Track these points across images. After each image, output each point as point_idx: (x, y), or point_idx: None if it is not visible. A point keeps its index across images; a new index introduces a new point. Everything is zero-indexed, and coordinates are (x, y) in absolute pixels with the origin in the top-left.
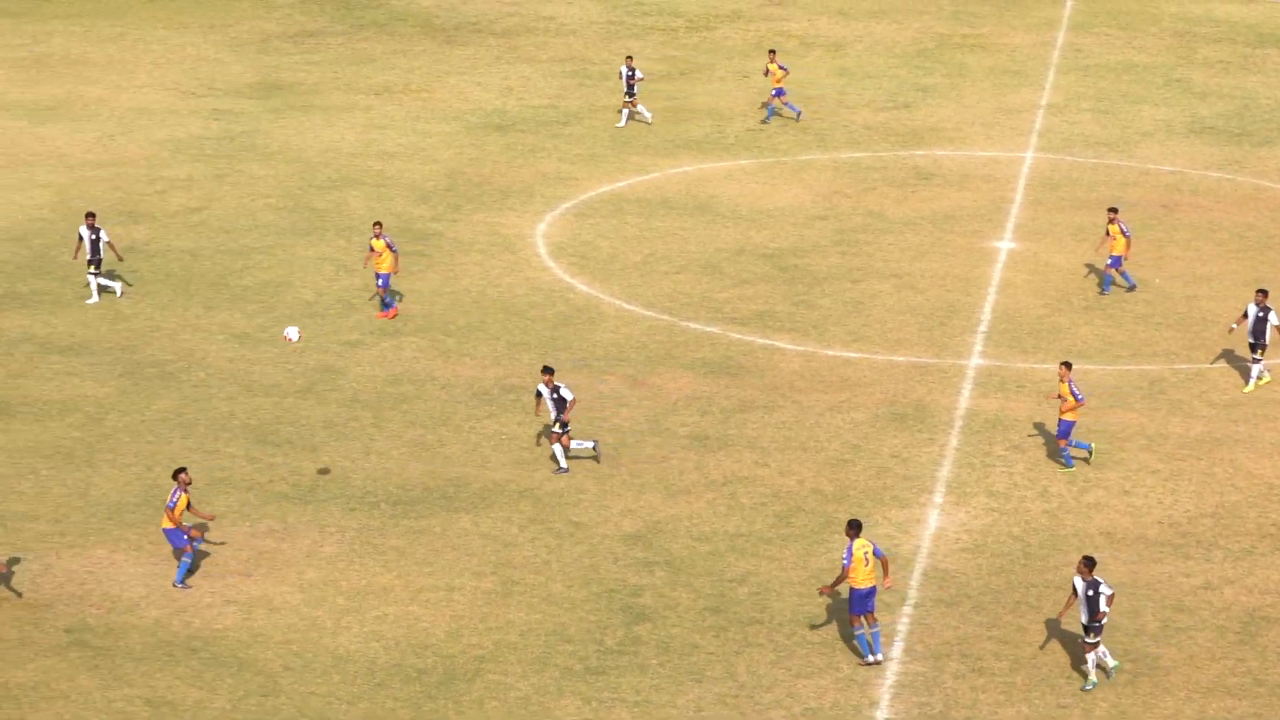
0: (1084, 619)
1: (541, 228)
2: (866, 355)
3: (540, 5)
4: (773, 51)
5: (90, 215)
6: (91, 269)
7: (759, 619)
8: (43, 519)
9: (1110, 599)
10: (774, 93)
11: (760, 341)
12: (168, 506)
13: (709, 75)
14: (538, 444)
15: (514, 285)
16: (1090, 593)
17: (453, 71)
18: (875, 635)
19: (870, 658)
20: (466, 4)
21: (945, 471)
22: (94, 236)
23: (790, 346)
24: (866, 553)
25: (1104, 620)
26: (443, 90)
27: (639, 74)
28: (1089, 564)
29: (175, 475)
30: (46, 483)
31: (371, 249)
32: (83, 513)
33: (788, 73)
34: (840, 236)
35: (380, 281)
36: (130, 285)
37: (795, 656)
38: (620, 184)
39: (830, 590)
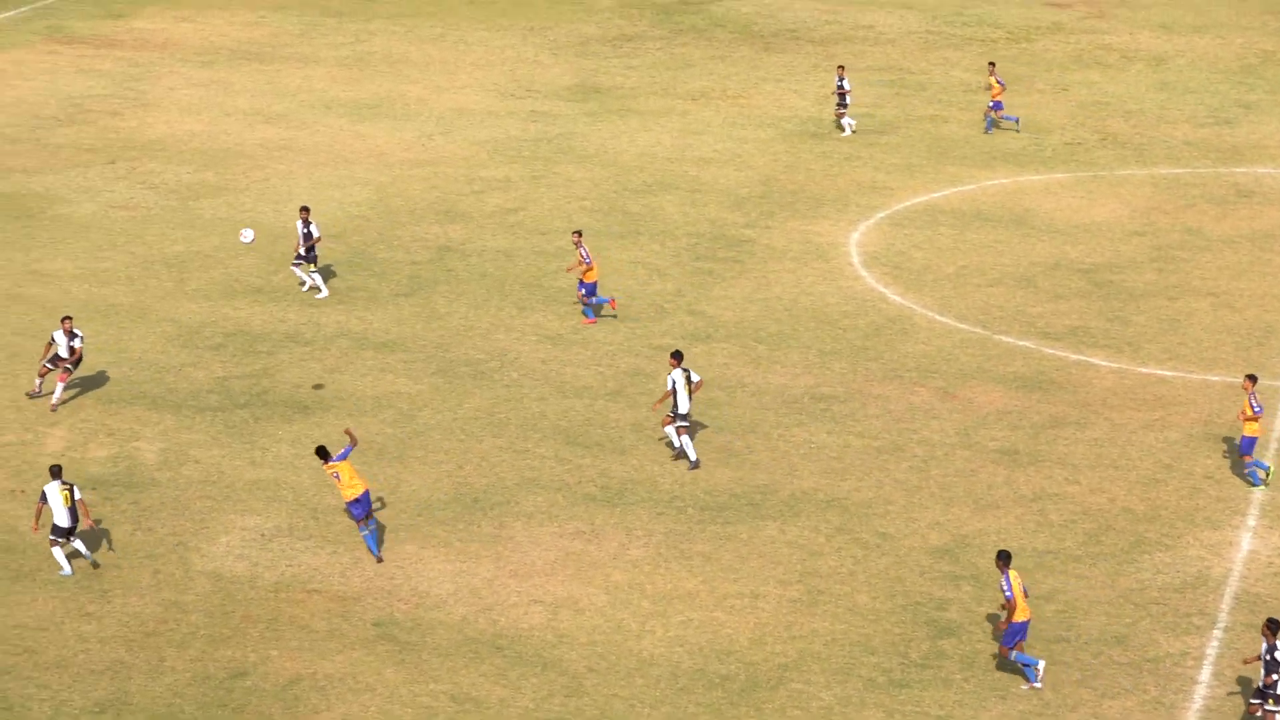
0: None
1: (855, 236)
2: (1181, 374)
3: (859, 13)
4: (992, 64)
5: (304, 209)
6: (298, 262)
7: (1065, 637)
8: None
9: None
10: (991, 105)
11: (1073, 357)
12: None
13: (1027, 87)
14: (661, 438)
15: (826, 294)
16: (1268, 656)
17: (769, 78)
18: (1030, 665)
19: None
20: (785, 11)
21: (1259, 494)
22: (306, 230)
23: (1104, 363)
24: (1024, 584)
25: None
26: (759, 96)
27: (848, 85)
28: (1273, 627)
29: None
30: None
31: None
32: (393, 508)
33: (1004, 88)
34: (1157, 253)
35: (584, 290)
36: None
37: (1101, 677)
38: (935, 195)
39: (1003, 626)
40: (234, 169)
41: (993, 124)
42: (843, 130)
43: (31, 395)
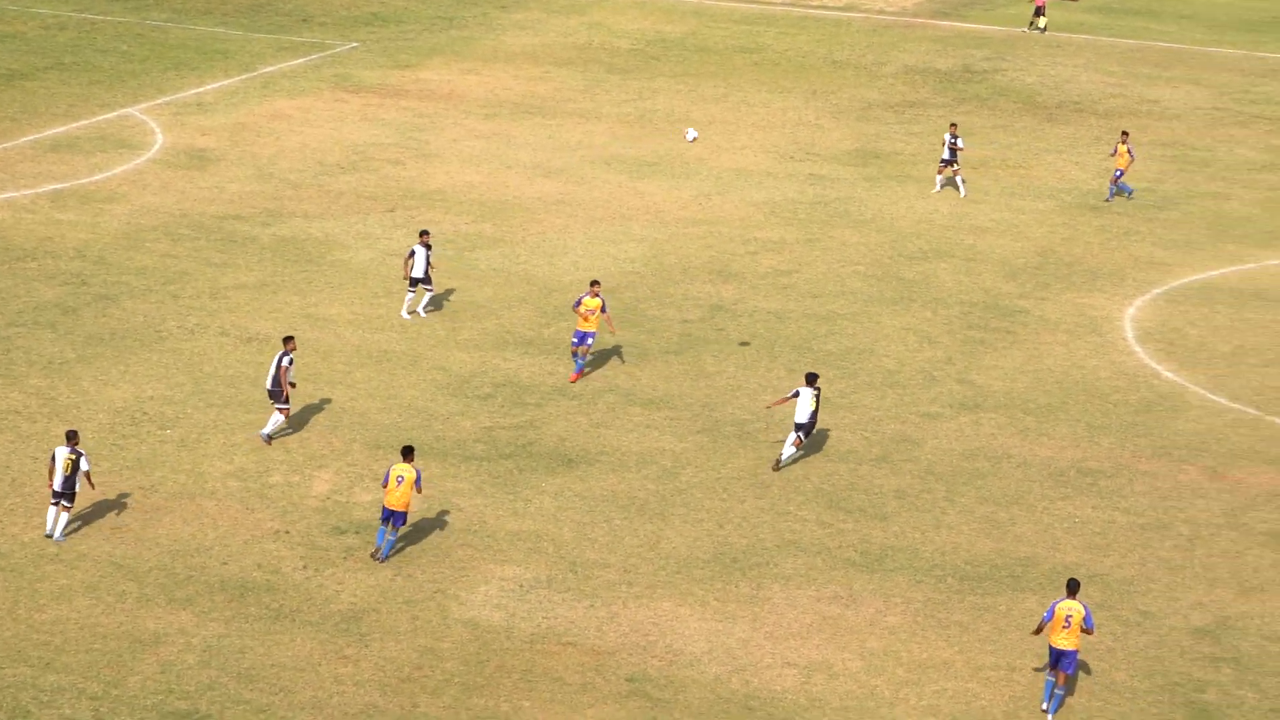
0: None
1: (1130, 311)
2: None
3: (1145, 88)
4: (1125, 133)
5: (424, 234)
6: (412, 286)
7: None
8: (613, 567)
9: None
10: (1116, 174)
11: None
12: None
13: None
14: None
15: (1098, 368)
16: None
17: (1051, 149)
18: (1058, 696)
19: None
20: (1070, 83)
21: None
22: (427, 255)
23: None
24: (1071, 615)
25: None
26: (1040, 167)
27: (961, 143)
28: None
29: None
30: (619, 532)
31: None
32: (652, 564)
33: (1134, 160)
34: None
35: (579, 339)
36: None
37: None
38: (1214, 272)
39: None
40: (511, 221)
41: (1115, 192)
42: (959, 190)
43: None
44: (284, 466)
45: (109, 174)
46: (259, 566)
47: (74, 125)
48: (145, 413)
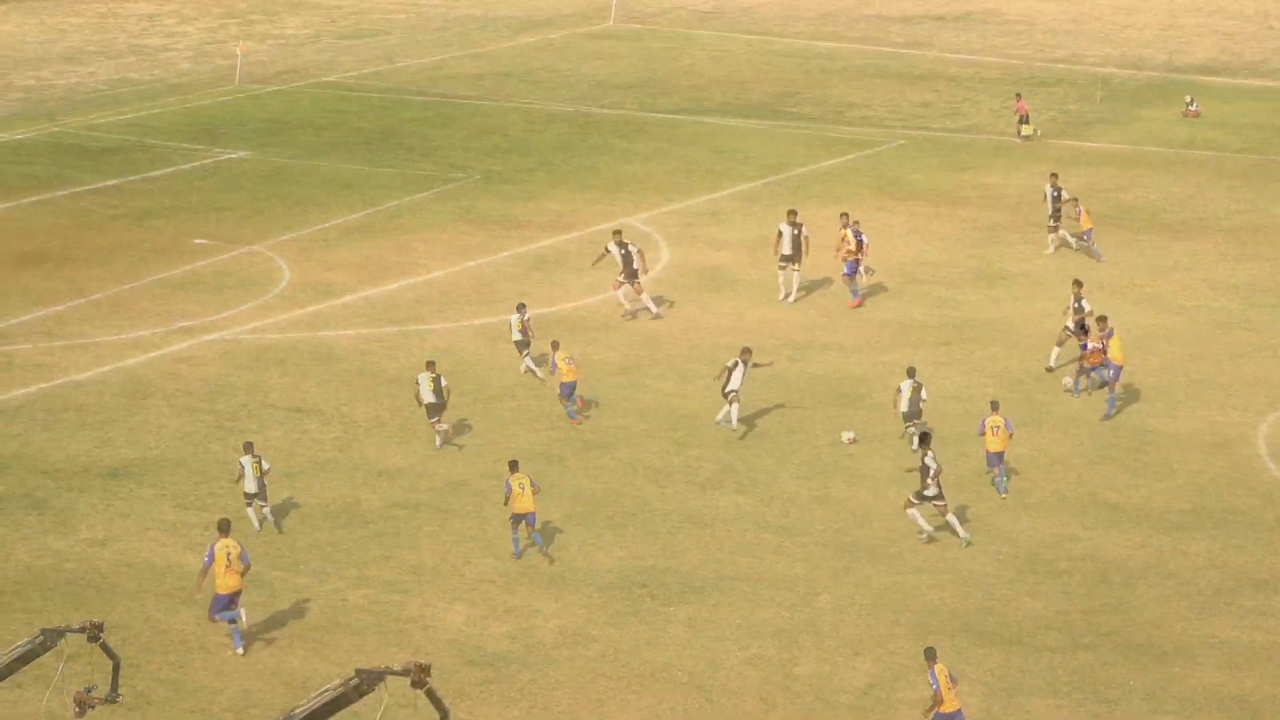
0: None
1: (1264, 428)
2: None
3: (1271, 204)
4: (1074, 200)
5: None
6: (783, 265)
7: None
8: (746, 695)
9: None
10: (1086, 234)
11: None
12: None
13: None
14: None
15: (1232, 485)
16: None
17: (1178, 266)
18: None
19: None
20: (1194, 199)
21: None
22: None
23: None
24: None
25: None
26: (1166, 284)
27: (1065, 194)
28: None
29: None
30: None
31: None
32: (787, 691)
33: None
34: None
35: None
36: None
37: None
38: None
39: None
40: None
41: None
42: (1048, 247)
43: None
44: (813, 654)
45: (603, 297)
46: None
47: (563, 237)
48: (644, 585)
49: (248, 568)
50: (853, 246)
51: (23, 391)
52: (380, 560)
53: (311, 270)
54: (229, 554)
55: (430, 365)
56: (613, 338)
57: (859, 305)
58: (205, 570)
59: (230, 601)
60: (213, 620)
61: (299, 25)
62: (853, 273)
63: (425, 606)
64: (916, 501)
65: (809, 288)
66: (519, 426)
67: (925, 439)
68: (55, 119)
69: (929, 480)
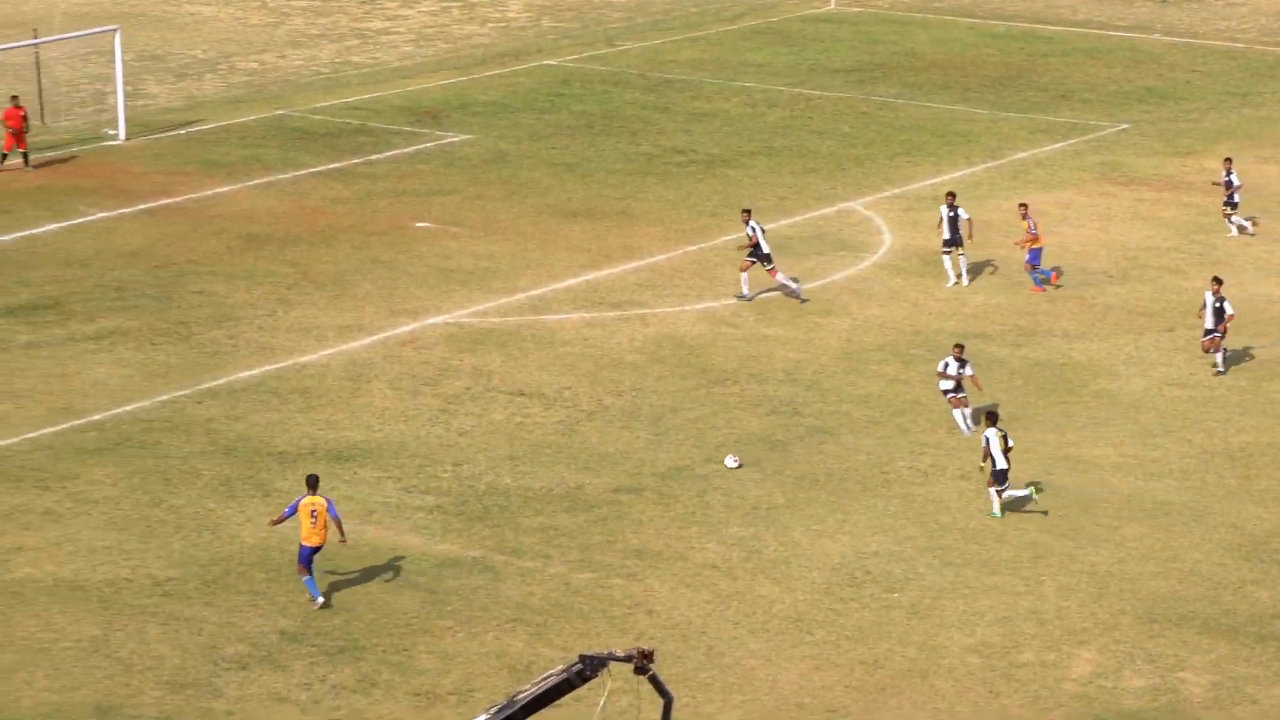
0: None
1: None
2: None
3: None
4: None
5: (950, 195)
6: (947, 249)
7: None
8: (970, 682)
9: None
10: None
11: None
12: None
13: None
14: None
15: None
16: None
17: None
18: None
19: None
20: None
21: None
22: (952, 215)
23: None
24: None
25: None
26: None
27: (1236, 180)
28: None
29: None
30: None
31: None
32: (1010, 680)
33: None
34: None
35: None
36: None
37: None
38: None
39: None
40: None
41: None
42: (1230, 231)
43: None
44: (1036, 642)
45: (826, 281)
46: None
47: (785, 222)
48: (868, 571)
49: (336, 522)
50: (1031, 236)
51: (248, 374)
52: (603, 545)
53: (530, 251)
54: (314, 509)
55: None
56: (835, 322)
57: (1042, 293)
58: (282, 519)
59: (311, 555)
60: (300, 571)
61: (520, 8)
62: (1035, 261)
63: (648, 592)
64: (998, 485)
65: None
66: (741, 411)
67: (993, 417)
68: (279, 102)
69: (996, 457)
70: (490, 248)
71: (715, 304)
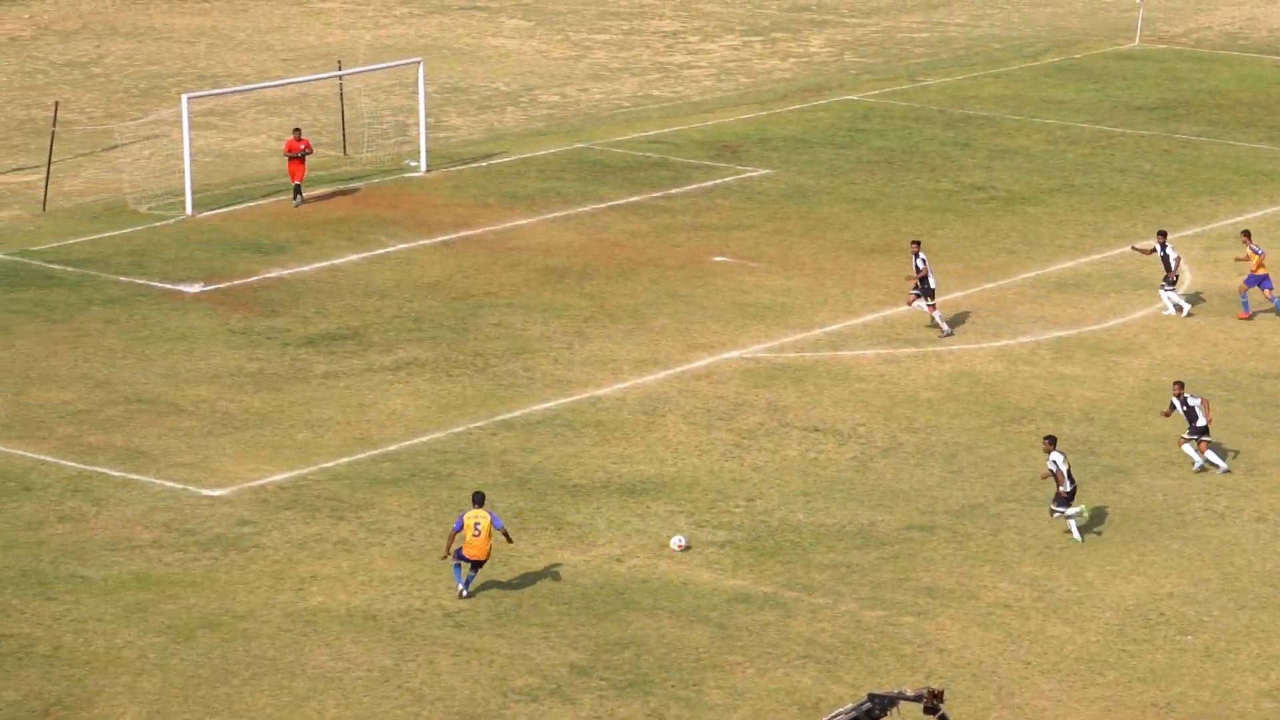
0: None
1: None
2: None
3: None
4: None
5: (1162, 234)
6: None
7: None
8: None
9: None
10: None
11: None
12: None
13: None
14: None
15: None
16: None
17: None
18: None
19: None
20: None
21: None
22: (1163, 254)
23: None
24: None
25: None
26: None
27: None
28: None
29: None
30: None
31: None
32: None
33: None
34: None
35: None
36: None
37: None
38: None
39: None
40: None
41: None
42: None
43: None
44: None
45: (1125, 320)
46: None
47: (1083, 260)
48: (1162, 613)
49: (502, 532)
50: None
51: (543, 406)
52: (895, 582)
53: (827, 287)
54: (478, 523)
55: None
56: (1133, 361)
57: (1248, 318)
58: (452, 536)
59: (474, 566)
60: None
61: (822, 43)
62: (1252, 285)
63: (939, 630)
64: (1058, 507)
65: None
66: (1037, 449)
67: (1053, 441)
68: (579, 135)
69: (1064, 480)
70: (787, 283)
71: (1012, 341)
